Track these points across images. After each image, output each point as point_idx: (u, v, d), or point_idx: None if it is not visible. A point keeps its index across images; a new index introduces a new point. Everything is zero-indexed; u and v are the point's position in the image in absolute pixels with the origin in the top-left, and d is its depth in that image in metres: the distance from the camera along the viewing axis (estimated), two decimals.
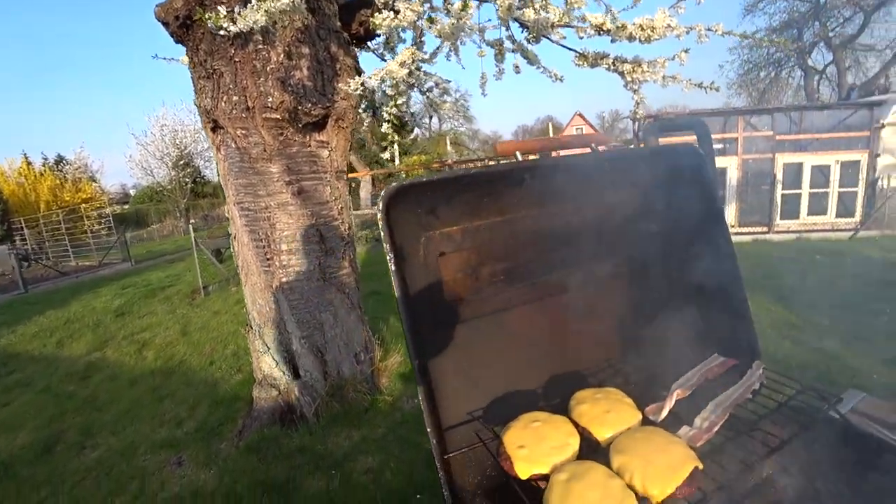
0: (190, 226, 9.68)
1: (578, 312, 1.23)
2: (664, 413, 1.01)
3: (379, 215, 0.79)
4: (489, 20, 3.27)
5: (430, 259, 1.03)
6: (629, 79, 2.82)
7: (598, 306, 1.26)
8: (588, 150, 1.07)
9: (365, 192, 23.69)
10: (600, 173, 1.09)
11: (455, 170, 0.90)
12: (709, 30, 2.36)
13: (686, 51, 2.80)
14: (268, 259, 3.44)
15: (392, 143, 3.92)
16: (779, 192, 9.63)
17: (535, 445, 0.91)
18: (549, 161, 0.96)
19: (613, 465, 0.90)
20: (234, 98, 3.01)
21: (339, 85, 3.12)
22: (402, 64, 2.62)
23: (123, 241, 15.66)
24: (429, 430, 0.83)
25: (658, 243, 1.36)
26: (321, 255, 3.54)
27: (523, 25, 3.04)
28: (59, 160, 28.57)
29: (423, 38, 3.41)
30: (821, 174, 9.71)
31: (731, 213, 9.94)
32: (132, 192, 36.46)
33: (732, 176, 9.90)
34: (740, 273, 1.24)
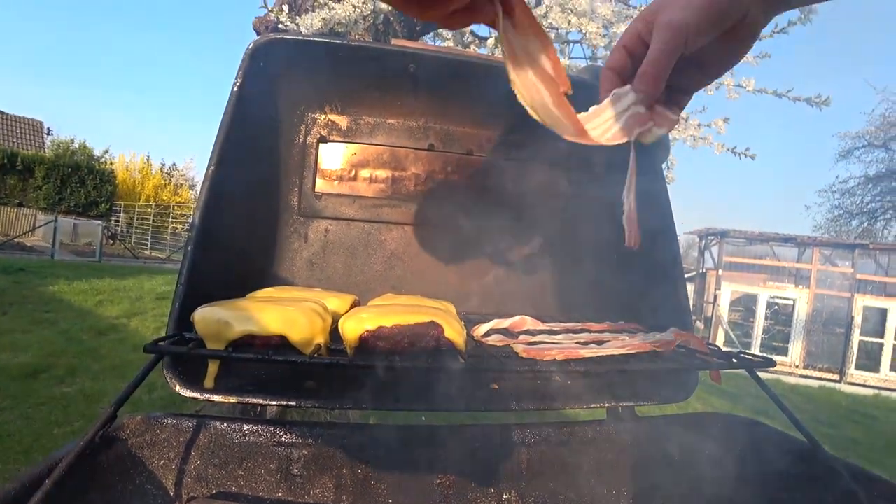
0: None
1: None
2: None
3: None
4: None
5: None
6: None
7: None
8: None
9: None
10: None
11: None
12: (738, 86, 2.29)
13: (725, 119, 2.73)
14: None
15: None
16: (856, 337, 8.59)
17: None
18: None
19: None
20: None
21: None
22: None
23: None
24: None
25: None
26: None
27: None
28: (173, 167, 32.73)
29: None
30: None
31: (795, 352, 8.92)
32: None
33: (801, 310, 9.01)
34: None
